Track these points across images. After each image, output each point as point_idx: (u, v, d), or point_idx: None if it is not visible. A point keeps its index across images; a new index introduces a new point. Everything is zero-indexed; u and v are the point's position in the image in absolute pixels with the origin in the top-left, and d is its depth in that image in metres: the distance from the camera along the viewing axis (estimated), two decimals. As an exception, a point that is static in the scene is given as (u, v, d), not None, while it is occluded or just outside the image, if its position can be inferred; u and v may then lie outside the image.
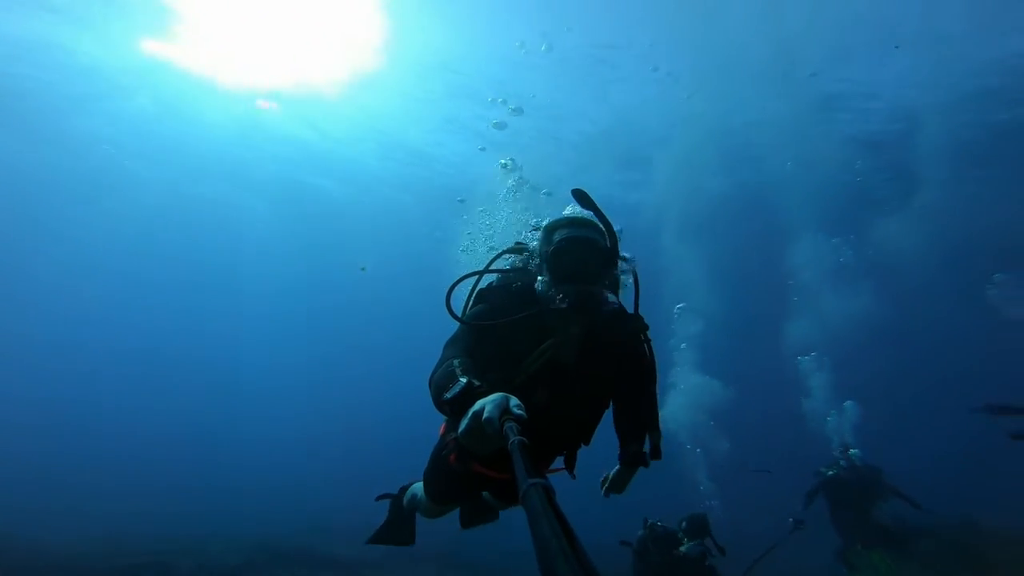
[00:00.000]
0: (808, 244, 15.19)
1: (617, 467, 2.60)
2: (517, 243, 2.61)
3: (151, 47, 11.48)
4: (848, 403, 11.11)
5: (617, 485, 2.58)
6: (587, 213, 2.19)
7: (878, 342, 18.10)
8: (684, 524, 5.37)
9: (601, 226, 2.17)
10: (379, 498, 3.49)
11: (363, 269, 26.36)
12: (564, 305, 2.04)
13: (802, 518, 5.26)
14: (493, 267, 2.46)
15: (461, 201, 11.97)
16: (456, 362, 1.81)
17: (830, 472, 7.46)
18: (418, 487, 3.00)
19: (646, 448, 2.43)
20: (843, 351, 13.54)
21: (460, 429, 1.52)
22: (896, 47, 10.66)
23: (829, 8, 9.49)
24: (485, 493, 2.74)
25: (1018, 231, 14.73)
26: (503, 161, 4.10)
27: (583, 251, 2.10)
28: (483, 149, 13.66)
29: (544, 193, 3.16)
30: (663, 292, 14.12)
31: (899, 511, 7.24)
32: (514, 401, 1.46)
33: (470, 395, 1.59)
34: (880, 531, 7.14)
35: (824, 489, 7.44)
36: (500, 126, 12.82)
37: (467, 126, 13.52)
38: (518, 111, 12.00)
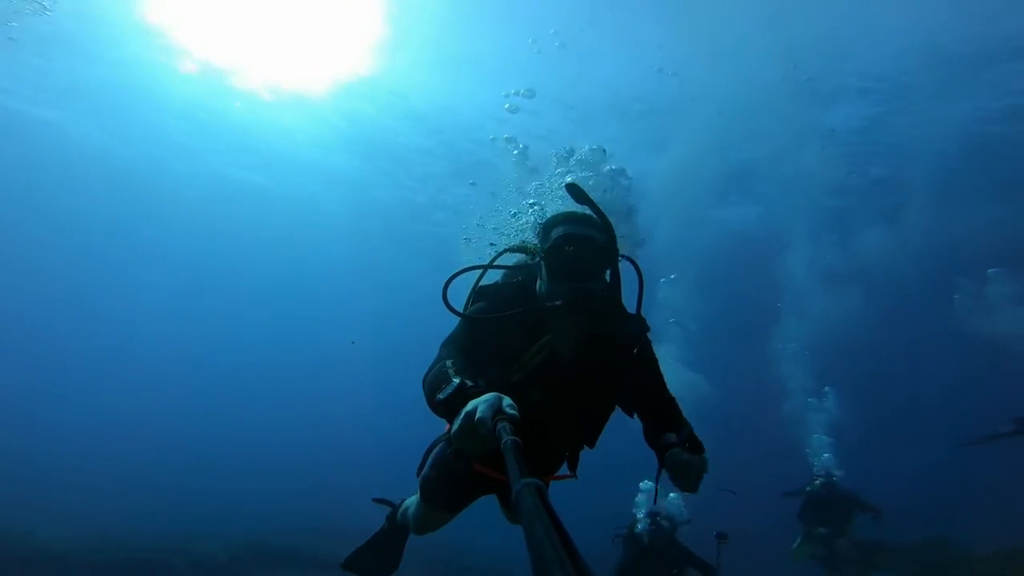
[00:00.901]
0: (799, 247, 15.19)
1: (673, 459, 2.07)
2: (522, 241, 2.58)
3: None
4: (827, 389, 11.15)
5: (689, 478, 2.02)
6: (586, 208, 2.15)
7: (860, 351, 18.06)
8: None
9: (599, 221, 2.12)
10: (376, 500, 3.46)
11: (352, 343, 26.67)
12: (559, 303, 2.02)
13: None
14: (494, 263, 2.43)
15: (472, 184, 11.97)
16: (449, 362, 1.80)
17: (808, 488, 7.60)
18: (411, 500, 2.92)
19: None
20: (826, 358, 13.52)
21: (452, 430, 1.51)
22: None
23: (832, 13, 9.56)
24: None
25: (993, 237, 14.74)
26: (506, 136, 4.13)
27: (580, 249, 2.06)
28: (493, 139, 13.72)
29: (542, 183, 3.13)
30: (654, 282, 14.07)
31: (870, 529, 7.30)
32: (507, 401, 1.45)
33: (462, 395, 1.57)
34: (853, 547, 7.20)
35: (804, 504, 7.55)
36: (512, 110, 12.97)
37: (485, 112, 13.58)
38: (530, 93, 12.18)
